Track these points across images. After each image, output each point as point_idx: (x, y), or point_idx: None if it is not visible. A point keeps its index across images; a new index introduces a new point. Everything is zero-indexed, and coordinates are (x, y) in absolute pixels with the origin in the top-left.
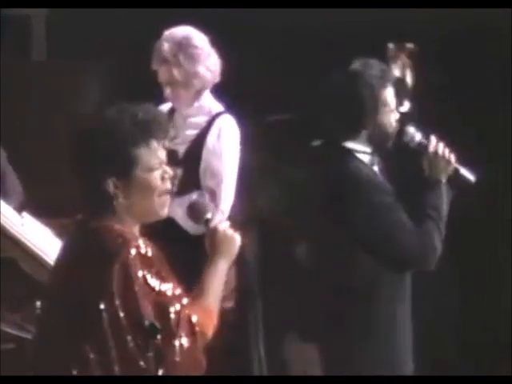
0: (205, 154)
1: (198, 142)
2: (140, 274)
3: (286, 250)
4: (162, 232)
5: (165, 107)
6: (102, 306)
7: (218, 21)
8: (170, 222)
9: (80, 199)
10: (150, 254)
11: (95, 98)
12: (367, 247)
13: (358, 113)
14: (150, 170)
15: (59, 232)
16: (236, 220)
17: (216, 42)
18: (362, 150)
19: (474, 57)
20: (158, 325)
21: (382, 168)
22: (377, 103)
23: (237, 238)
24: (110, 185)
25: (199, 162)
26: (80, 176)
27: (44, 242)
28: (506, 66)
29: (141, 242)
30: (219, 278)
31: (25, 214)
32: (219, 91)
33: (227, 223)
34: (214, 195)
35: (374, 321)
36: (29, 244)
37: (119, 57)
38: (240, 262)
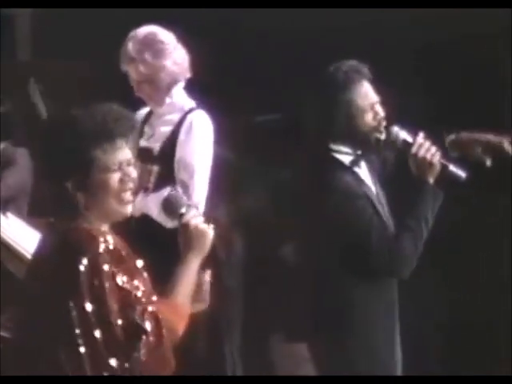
0: (178, 149)
1: (172, 139)
2: (108, 269)
3: (272, 250)
4: (137, 228)
5: (145, 109)
6: (70, 303)
7: (208, 20)
8: (144, 218)
9: (47, 200)
10: (118, 249)
11: (80, 98)
12: (342, 252)
13: (326, 118)
14: (107, 171)
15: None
16: (221, 220)
17: (204, 42)
18: (344, 151)
19: (474, 57)
20: (137, 320)
21: (369, 169)
22: (339, 108)
23: (209, 233)
24: (70, 185)
25: (173, 158)
26: (44, 176)
27: (29, 241)
28: (506, 67)
29: (109, 237)
30: (190, 274)
31: (9, 214)
32: (206, 90)
33: (201, 218)
34: (186, 188)
35: (357, 321)
36: (14, 244)
37: (104, 56)
38: (215, 263)
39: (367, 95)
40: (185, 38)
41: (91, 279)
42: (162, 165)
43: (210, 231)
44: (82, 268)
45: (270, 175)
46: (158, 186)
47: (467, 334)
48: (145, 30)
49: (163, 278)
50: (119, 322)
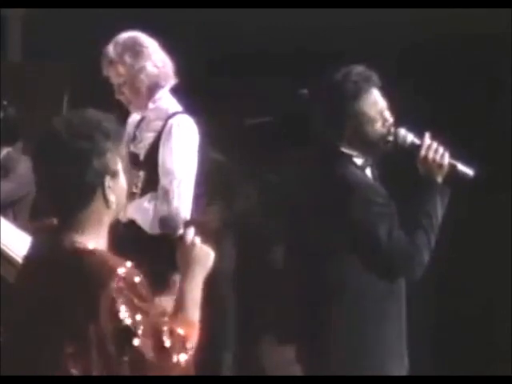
0: (160, 154)
1: (154, 144)
2: (127, 301)
3: (264, 252)
4: (123, 233)
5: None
6: (89, 331)
7: (199, 21)
8: (130, 224)
9: (51, 205)
10: (135, 279)
11: (70, 99)
12: (354, 249)
13: (336, 126)
14: (121, 171)
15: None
16: (212, 224)
17: (193, 44)
18: (354, 154)
19: (474, 57)
20: (132, 328)
21: (376, 170)
22: (348, 118)
23: (211, 252)
24: (106, 183)
25: (157, 164)
26: (62, 177)
27: (19, 245)
28: (506, 67)
29: (123, 269)
30: (197, 290)
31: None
32: (195, 93)
33: (199, 238)
34: (167, 193)
35: (356, 321)
36: (4, 248)
37: (95, 58)
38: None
39: (376, 103)
40: (173, 42)
41: (111, 312)
42: (147, 171)
43: (211, 250)
44: (103, 300)
45: (262, 177)
46: (143, 192)
47: (467, 333)
48: (126, 34)
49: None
50: (148, 345)
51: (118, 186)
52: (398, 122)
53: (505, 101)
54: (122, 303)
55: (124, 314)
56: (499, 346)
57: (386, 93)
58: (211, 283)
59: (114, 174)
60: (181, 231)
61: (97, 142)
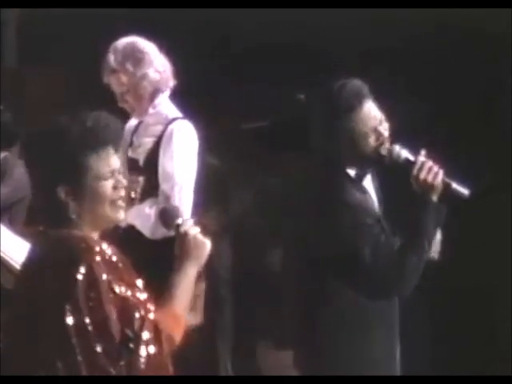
0: (160, 159)
1: (154, 149)
2: (104, 279)
3: (260, 257)
4: (122, 238)
5: (135, 119)
6: (67, 313)
7: (198, 24)
8: (130, 229)
9: (37, 207)
10: (114, 258)
11: (67, 104)
12: (339, 265)
13: (331, 137)
14: (101, 178)
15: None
16: (209, 227)
17: (191, 48)
18: (349, 166)
19: (474, 58)
20: (130, 333)
21: (375, 177)
22: (341, 135)
23: (207, 244)
24: (61, 192)
25: (157, 169)
26: (35, 184)
27: (17, 251)
28: (506, 67)
29: (105, 246)
30: (188, 282)
31: None
32: (192, 98)
33: (198, 229)
34: (168, 199)
35: (353, 324)
36: (2, 255)
37: (91, 63)
38: (210, 273)
39: (369, 118)
40: (170, 45)
41: (88, 289)
42: (147, 176)
43: (207, 242)
44: (79, 277)
45: (258, 181)
46: (143, 198)
47: (467, 333)
48: (124, 40)
49: (151, 287)
50: (118, 330)
51: (81, 194)
52: (398, 123)
53: (505, 101)
54: (98, 281)
55: (103, 287)
56: (499, 345)
57: (385, 94)
58: (209, 286)
59: (72, 183)
60: (179, 221)
61: (54, 148)
